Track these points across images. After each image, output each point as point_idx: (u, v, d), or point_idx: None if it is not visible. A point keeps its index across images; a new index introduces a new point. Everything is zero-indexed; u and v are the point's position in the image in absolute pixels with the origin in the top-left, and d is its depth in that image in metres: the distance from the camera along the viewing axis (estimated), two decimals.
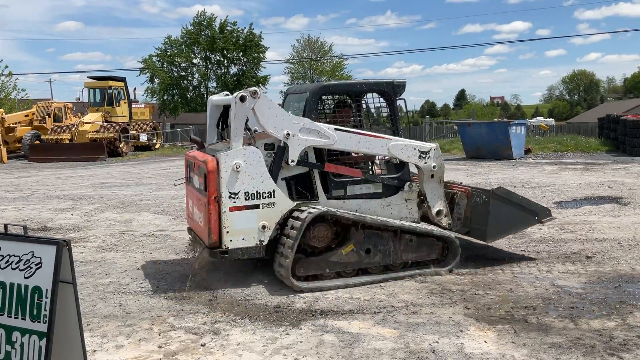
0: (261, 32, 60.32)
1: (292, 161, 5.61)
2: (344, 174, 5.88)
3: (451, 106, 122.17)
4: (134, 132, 29.69)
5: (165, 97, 60.68)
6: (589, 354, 3.88)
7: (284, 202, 5.56)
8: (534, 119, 55.13)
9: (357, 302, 5.08)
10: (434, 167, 6.06)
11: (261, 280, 5.83)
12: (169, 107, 60.49)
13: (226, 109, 6.15)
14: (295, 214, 5.51)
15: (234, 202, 5.39)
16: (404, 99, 6.27)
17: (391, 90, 6.15)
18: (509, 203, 6.20)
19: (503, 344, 4.09)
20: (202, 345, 4.18)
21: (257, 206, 5.47)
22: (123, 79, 30.33)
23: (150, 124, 32.38)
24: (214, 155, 5.50)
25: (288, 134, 5.55)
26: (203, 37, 59.56)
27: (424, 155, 6.04)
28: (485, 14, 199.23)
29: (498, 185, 6.85)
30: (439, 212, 6.21)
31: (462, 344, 4.10)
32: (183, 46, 59.86)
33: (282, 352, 4.02)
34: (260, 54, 61.21)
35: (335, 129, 5.71)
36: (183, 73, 61.69)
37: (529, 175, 14.75)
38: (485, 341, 4.14)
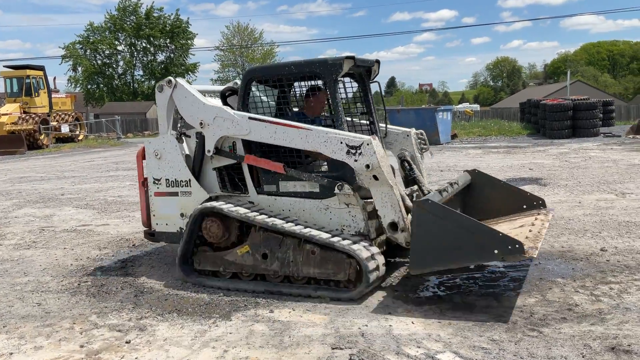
0: (188, 18, 59.01)
1: (209, 151, 5.36)
2: (266, 168, 5.25)
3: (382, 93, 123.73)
4: (55, 123, 28.45)
5: (89, 86, 58.36)
6: (511, 330, 4.02)
7: (199, 193, 5.47)
8: (460, 105, 56.91)
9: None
10: (367, 166, 4.69)
11: None
12: (94, 96, 58.24)
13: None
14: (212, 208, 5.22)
15: (157, 187, 5.64)
16: (378, 81, 5.55)
17: (326, 71, 5.14)
18: (444, 222, 4.39)
19: (429, 323, 4.18)
20: (127, 343, 4.03)
21: (176, 194, 5.57)
22: (42, 68, 28.94)
23: (73, 114, 31.08)
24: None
25: (202, 123, 5.34)
26: (128, 23, 57.59)
27: (353, 151, 4.78)
28: (413, 1, 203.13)
29: (427, 195, 5.11)
30: (392, 225, 4.81)
31: (390, 326, 4.16)
32: (107, 32, 57.68)
33: (211, 345, 3.95)
34: (189, 41, 59.90)
35: (250, 118, 5.17)
36: (107, 61, 59.54)
37: (455, 160, 15.21)
38: (412, 322, 4.22)
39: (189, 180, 5.49)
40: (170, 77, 5.52)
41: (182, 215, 5.53)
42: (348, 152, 4.78)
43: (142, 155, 5.77)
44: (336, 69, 5.10)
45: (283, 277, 4.99)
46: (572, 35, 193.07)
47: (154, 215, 5.70)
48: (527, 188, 10.00)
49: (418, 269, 4.60)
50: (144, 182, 5.76)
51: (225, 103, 5.61)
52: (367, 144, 4.71)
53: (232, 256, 5.12)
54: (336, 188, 4.90)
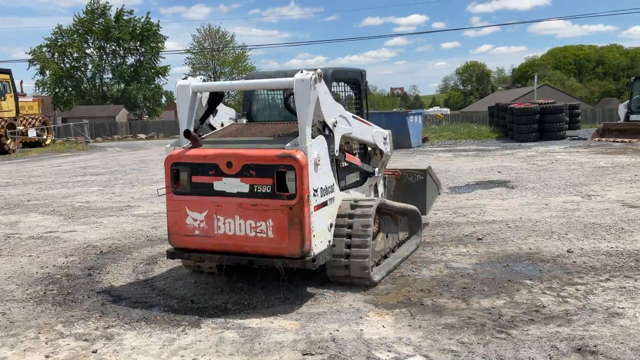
0: (159, 21, 58.36)
1: (336, 151, 5.02)
2: (352, 163, 5.64)
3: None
4: (21, 127, 27.88)
5: (57, 90, 57.32)
6: (479, 332, 4.06)
7: (339, 196, 5.11)
8: (430, 109, 57.48)
9: (259, 296, 5.01)
10: (388, 151, 6.32)
11: (158, 279, 5.63)
12: (62, 100, 57.22)
13: (214, 96, 5.40)
14: (347, 208, 5.11)
15: (316, 200, 4.66)
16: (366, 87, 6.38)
17: (361, 78, 6.12)
18: (432, 178, 7.49)
19: (400, 327, 4.20)
20: (93, 352, 3.95)
21: (326, 203, 4.84)
22: (8, 71, 28.28)
23: (40, 118, 30.49)
24: (283, 148, 4.61)
25: (335, 122, 4.98)
26: (97, 26, 56.78)
27: (385, 141, 6.24)
28: (384, 6, 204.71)
29: (428, 165, 7.66)
30: (381, 195, 6.54)
31: (361, 330, 4.16)
32: (75, 35, 56.78)
33: (180, 354, 3.89)
34: (159, 44, 59.34)
35: (353, 117, 5.45)
36: (76, 64, 58.61)
37: (426, 163, 15.31)
38: (383, 326, 4.23)
39: (333, 184, 4.98)
40: (318, 69, 4.71)
41: (330, 225, 4.93)
42: (383, 142, 6.20)
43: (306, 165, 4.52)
44: (364, 77, 6.16)
45: (390, 250, 5.93)
46: (539, 40, 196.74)
47: (314, 236, 4.60)
48: (495, 190, 10.18)
49: (429, 211, 7.55)
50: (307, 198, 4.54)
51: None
52: (389, 135, 6.36)
53: (378, 246, 5.60)
54: (376, 172, 6.21)
